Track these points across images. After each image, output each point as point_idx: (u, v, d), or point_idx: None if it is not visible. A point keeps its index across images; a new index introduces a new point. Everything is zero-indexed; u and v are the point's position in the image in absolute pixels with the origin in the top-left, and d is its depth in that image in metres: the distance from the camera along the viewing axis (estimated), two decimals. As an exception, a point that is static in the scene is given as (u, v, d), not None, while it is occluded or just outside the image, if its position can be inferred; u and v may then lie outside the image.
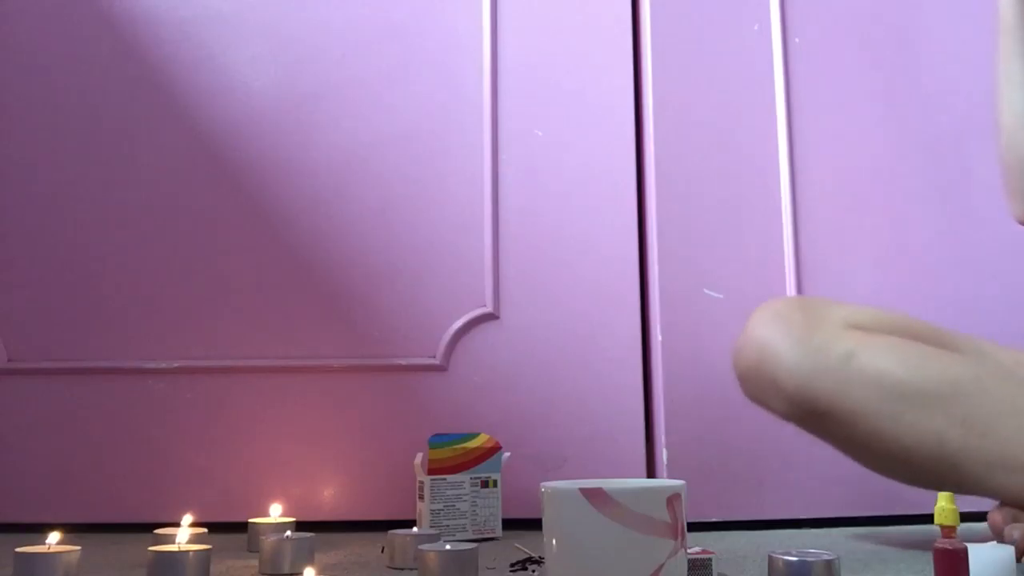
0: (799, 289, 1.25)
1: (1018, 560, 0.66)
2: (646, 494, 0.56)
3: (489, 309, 1.25)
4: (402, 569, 0.87)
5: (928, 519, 1.15)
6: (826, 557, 0.70)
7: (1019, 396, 0.85)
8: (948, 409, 0.83)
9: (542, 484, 0.60)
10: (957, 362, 0.86)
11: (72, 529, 1.01)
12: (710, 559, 0.74)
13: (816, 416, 0.88)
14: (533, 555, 0.91)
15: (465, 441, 1.08)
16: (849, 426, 0.87)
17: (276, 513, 1.05)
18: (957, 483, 0.84)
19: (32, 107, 1.28)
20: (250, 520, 1.01)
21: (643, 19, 1.32)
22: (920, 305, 1.18)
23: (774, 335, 0.90)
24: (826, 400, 0.87)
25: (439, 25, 1.31)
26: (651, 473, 1.23)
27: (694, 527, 1.16)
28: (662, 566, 0.56)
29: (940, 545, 0.60)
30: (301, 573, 0.82)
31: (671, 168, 1.27)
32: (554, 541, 0.58)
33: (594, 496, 0.56)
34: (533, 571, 0.83)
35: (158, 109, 1.28)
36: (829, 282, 1.25)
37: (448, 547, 0.77)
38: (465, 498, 1.06)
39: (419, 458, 1.08)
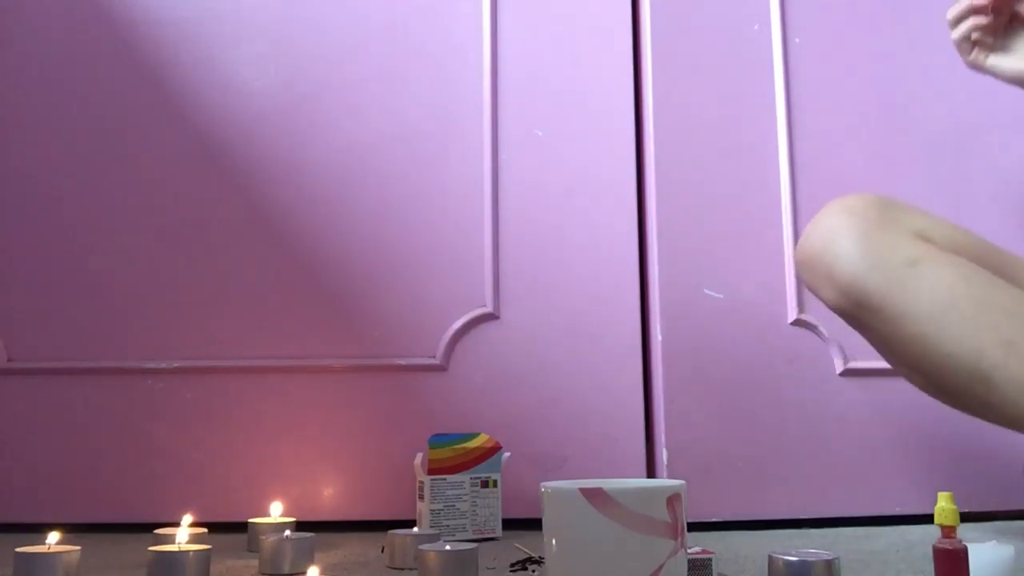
0: (799, 289, 1.25)
1: None
2: (646, 494, 0.56)
3: (489, 309, 1.25)
4: (402, 569, 0.87)
5: (928, 519, 1.15)
6: (826, 557, 0.70)
7: None
8: (996, 329, 0.82)
9: (542, 484, 0.60)
10: (1015, 296, 0.85)
11: (72, 529, 1.01)
12: (710, 559, 0.74)
13: (865, 310, 0.87)
14: (533, 555, 0.91)
15: (465, 441, 1.08)
16: (895, 326, 0.86)
17: (276, 513, 1.05)
18: (985, 402, 0.83)
19: (32, 107, 1.28)
20: (250, 520, 1.01)
21: (643, 19, 1.32)
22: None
23: (842, 226, 0.89)
24: (878, 297, 0.86)
25: (439, 25, 1.31)
26: (651, 473, 1.23)
27: (694, 527, 1.16)
28: (662, 566, 0.55)
29: (940, 545, 0.60)
30: (301, 573, 0.83)
31: (671, 168, 1.27)
32: (554, 541, 0.57)
33: (594, 496, 0.56)
34: (533, 571, 0.83)
35: (158, 109, 1.28)
36: (829, 282, 1.25)
37: (448, 547, 0.77)
38: (465, 498, 1.06)
39: (419, 458, 1.08)
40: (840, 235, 0.89)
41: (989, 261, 0.92)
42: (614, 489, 0.56)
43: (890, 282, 0.86)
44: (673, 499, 0.57)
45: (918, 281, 0.85)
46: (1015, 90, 0.99)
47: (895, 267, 0.86)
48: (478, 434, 1.09)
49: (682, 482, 0.58)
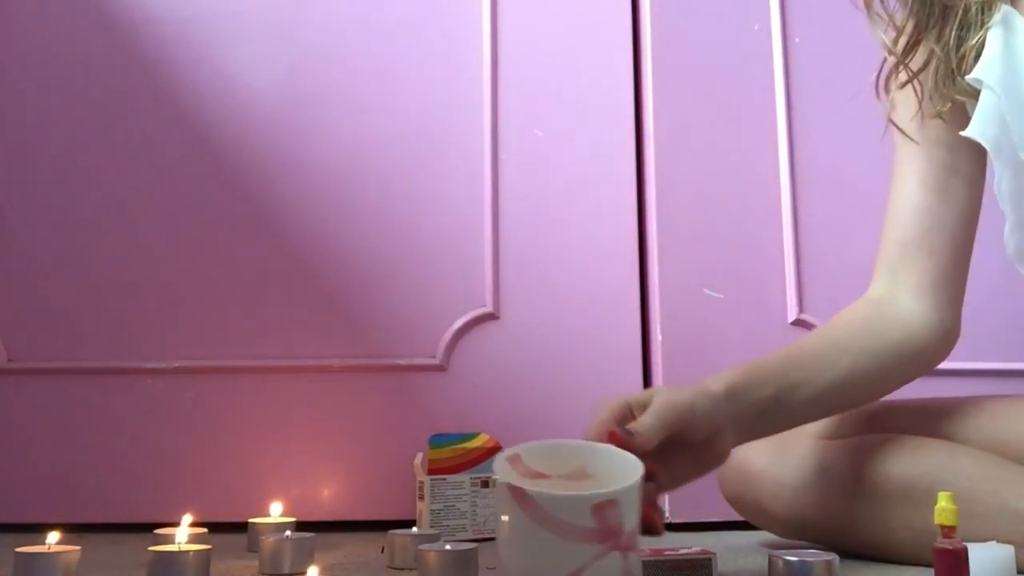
0: (799, 289, 1.25)
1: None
2: (568, 502, 0.56)
3: (489, 309, 1.24)
4: (402, 569, 0.87)
5: (928, 519, 1.15)
6: (826, 557, 0.70)
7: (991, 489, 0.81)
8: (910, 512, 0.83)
9: (502, 452, 0.62)
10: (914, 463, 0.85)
11: (72, 529, 1.01)
12: (710, 559, 0.74)
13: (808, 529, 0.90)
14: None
15: (465, 441, 1.08)
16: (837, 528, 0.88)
17: (276, 513, 1.05)
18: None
19: (32, 107, 1.28)
20: (250, 520, 1.01)
21: (643, 19, 1.32)
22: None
23: (750, 455, 0.92)
24: (812, 514, 0.88)
25: (439, 25, 1.31)
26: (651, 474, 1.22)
27: (694, 527, 1.16)
28: (583, 568, 0.55)
29: (940, 545, 0.60)
30: (301, 573, 0.83)
31: (671, 168, 1.27)
32: (501, 518, 0.59)
33: (517, 493, 0.56)
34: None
35: (158, 109, 1.28)
36: (829, 282, 1.25)
37: (448, 547, 0.77)
38: (465, 498, 1.06)
39: (419, 458, 1.08)
40: (752, 463, 0.93)
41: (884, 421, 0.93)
42: (538, 492, 0.56)
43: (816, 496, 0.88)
44: (604, 506, 0.56)
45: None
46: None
47: (812, 480, 0.89)
48: (478, 434, 1.09)
49: (621, 487, 0.58)
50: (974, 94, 0.79)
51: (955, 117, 0.83)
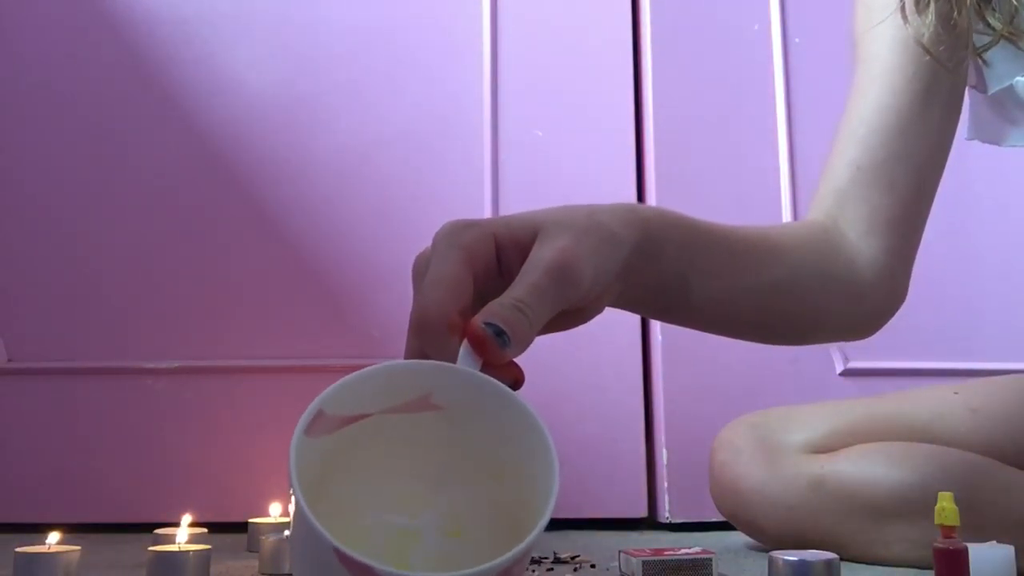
0: (799, 289, 1.24)
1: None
2: None
3: (489, 309, 1.24)
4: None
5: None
6: (826, 557, 0.70)
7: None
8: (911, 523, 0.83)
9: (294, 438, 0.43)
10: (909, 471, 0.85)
11: (72, 529, 1.01)
12: (710, 559, 0.74)
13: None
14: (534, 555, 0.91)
15: (465, 441, 1.08)
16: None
17: (276, 513, 1.05)
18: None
19: (32, 107, 1.28)
20: (250, 520, 1.01)
21: (643, 19, 1.32)
22: (921, 304, 1.18)
23: (740, 473, 0.92)
24: (808, 531, 0.88)
25: (439, 25, 1.31)
26: (651, 473, 1.22)
27: (694, 527, 1.16)
28: None
29: (940, 545, 0.60)
30: (301, 573, 0.82)
31: (671, 168, 1.27)
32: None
33: (352, 567, 0.37)
34: (534, 571, 0.83)
35: (158, 109, 1.28)
36: (829, 282, 1.25)
37: (448, 547, 0.77)
38: (465, 498, 1.06)
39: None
40: (744, 482, 0.91)
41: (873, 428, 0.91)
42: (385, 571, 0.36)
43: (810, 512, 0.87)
44: None
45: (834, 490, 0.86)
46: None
47: (806, 496, 0.87)
48: (478, 434, 1.09)
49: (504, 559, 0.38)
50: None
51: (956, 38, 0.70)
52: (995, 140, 0.81)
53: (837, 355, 1.24)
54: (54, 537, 0.77)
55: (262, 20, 1.30)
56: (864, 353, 1.20)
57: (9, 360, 1.23)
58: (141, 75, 1.29)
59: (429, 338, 0.45)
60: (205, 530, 0.94)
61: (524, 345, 0.47)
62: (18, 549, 0.73)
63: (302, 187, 1.27)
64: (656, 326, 1.23)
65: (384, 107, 1.29)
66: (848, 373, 1.23)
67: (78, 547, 0.76)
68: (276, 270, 1.25)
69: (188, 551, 0.77)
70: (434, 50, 1.30)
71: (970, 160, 1.31)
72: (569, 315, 0.53)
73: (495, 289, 0.47)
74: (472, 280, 0.46)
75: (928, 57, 0.69)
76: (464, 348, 0.44)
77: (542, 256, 0.46)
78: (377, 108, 1.29)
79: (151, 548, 0.79)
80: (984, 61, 0.71)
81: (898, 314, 0.73)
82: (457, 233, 0.48)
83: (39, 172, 1.27)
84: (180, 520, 0.90)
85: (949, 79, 0.71)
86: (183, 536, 0.85)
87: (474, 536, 0.45)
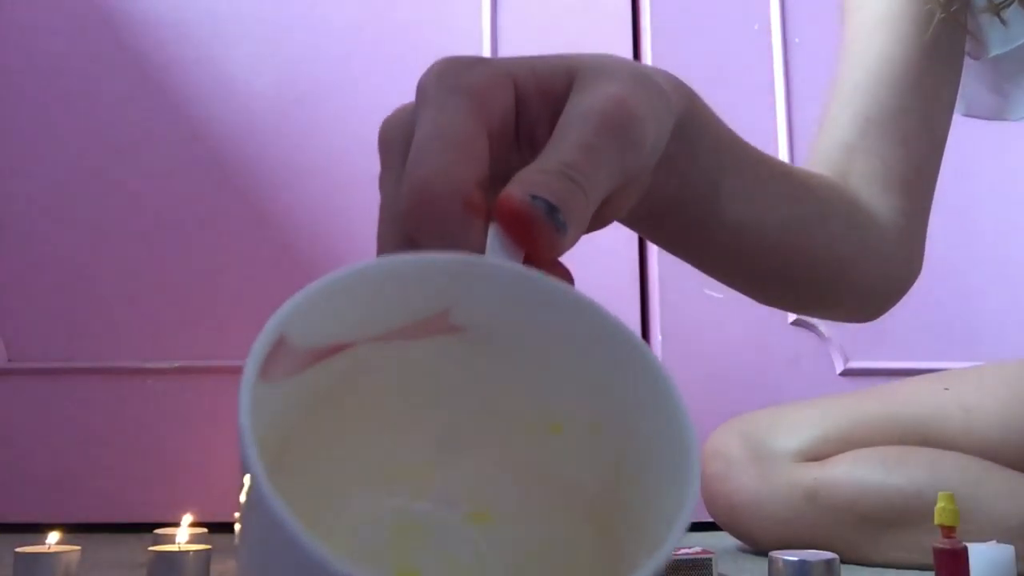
0: (799, 289, 1.24)
1: None
2: None
3: (489, 309, 1.24)
4: (402, 569, 0.86)
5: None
6: (826, 557, 0.70)
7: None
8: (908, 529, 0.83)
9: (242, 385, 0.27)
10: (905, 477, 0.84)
11: (72, 529, 1.01)
12: (710, 559, 0.74)
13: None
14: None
15: (465, 441, 1.07)
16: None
17: (276, 513, 1.05)
18: None
19: (31, 107, 1.28)
20: (250, 520, 1.01)
21: (643, 18, 1.32)
22: (921, 304, 1.18)
23: (733, 488, 0.91)
24: (806, 543, 0.87)
25: (439, 25, 1.31)
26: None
27: (694, 527, 1.16)
28: None
29: (940, 545, 0.60)
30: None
31: (671, 168, 1.27)
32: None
33: None
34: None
35: (158, 109, 1.28)
36: (829, 282, 1.25)
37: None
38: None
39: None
40: (737, 495, 0.91)
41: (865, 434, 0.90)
42: None
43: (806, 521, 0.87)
44: None
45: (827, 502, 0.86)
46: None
47: (800, 507, 0.87)
48: (478, 434, 1.09)
49: None
50: None
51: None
52: (994, 114, 0.76)
53: (837, 355, 1.24)
54: (54, 537, 0.77)
55: (262, 20, 1.30)
56: (864, 353, 1.20)
57: (9, 360, 1.23)
58: (141, 75, 1.29)
59: (434, 225, 0.28)
60: (205, 530, 0.94)
61: (580, 231, 0.32)
62: (18, 549, 0.73)
63: (302, 187, 1.27)
64: (655, 324, 1.23)
65: (384, 107, 1.28)
66: (848, 373, 1.23)
67: (78, 547, 0.75)
68: (276, 270, 1.25)
69: (188, 551, 0.77)
70: (434, 50, 1.30)
71: (970, 160, 1.31)
72: None
73: (509, 163, 0.32)
74: (487, 141, 0.30)
75: (931, 5, 0.61)
76: (494, 237, 0.29)
77: (591, 105, 0.31)
78: (377, 107, 1.28)
79: (151, 548, 0.79)
80: (1002, 20, 0.65)
81: (898, 314, 0.72)
82: (459, 73, 0.31)
83: (39, 173, 1.27)
84: (180, 520, 0.90)
85: (952, 36, 0.63)
86: (183, 536, 0.85)
87: (510, 522, 0.29)
